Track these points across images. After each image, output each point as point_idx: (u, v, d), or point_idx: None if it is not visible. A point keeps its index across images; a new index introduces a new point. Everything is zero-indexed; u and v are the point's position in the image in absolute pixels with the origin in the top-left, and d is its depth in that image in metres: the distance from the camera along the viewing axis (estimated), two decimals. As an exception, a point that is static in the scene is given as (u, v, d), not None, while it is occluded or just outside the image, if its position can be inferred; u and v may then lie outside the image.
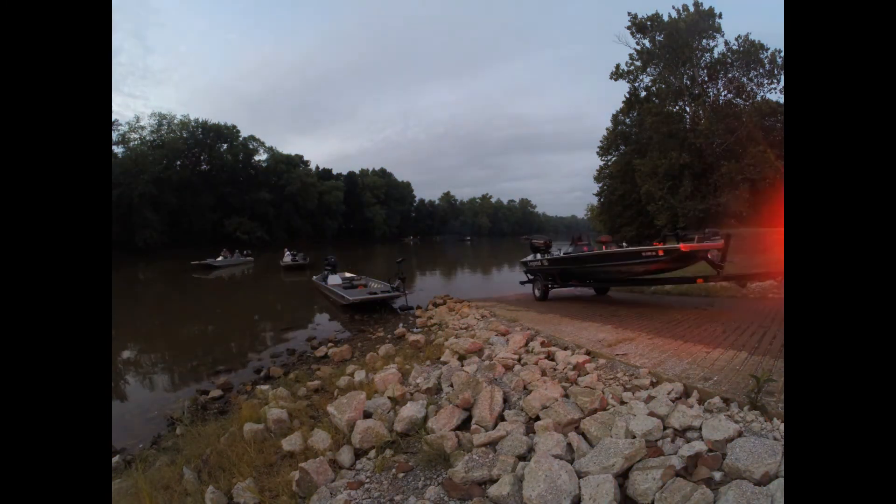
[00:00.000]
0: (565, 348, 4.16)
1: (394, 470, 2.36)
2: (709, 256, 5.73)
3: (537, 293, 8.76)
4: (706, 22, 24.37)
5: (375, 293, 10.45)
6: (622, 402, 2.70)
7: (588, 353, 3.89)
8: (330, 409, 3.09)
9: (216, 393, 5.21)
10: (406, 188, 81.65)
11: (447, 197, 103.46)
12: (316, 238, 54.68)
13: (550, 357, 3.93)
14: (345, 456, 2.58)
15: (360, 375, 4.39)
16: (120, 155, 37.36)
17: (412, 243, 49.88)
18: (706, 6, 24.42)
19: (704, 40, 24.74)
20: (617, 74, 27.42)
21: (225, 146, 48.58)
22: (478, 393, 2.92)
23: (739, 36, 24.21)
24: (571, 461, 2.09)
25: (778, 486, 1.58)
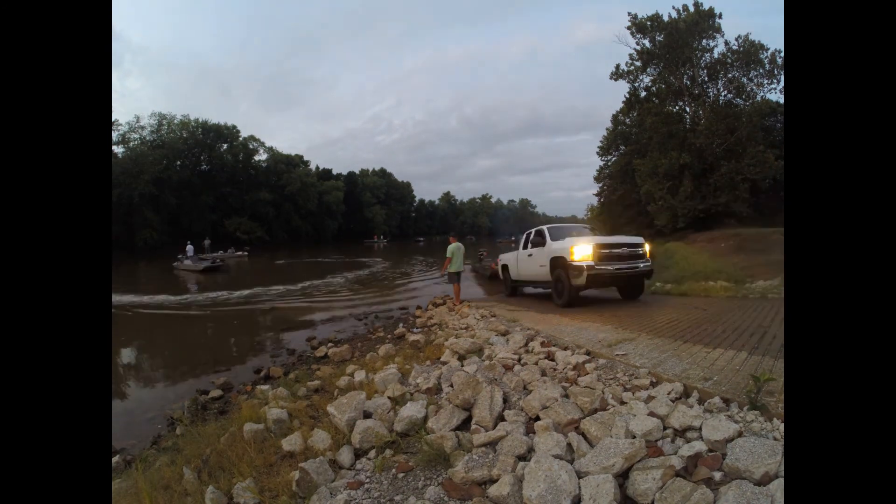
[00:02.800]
0: (565, 348, 4.16)
1: (394, 470, 2.36)
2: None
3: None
4: (706, 22, 24.37)
5: (216, 261, 20.73)
6: (622, 402, 2.70)
7: (588, 353, 3.89)
8: (330, 409, 3.09)
9: (216, 393, 5.21)
10: (406, 188, 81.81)
11: (447, 197, 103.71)
12: (316, 238, 54.62)
13: (550, 357, 3.93)
14: (345, 456, 2.58)
15: (360, 375, 4.39)
16: (120, 155, 37.30)
17: (378, 246, 50.77)
18: (706, 6, 24.41)
19: (704, 40, 24.72)
20: (617, 74, 27.40)
21: (225, 146, 48.52)
22: (478, 393, 2.92)
23: (739, 36, 24.20)
24: (571, 461, 2.09)
25: (778, 486, 1.57)
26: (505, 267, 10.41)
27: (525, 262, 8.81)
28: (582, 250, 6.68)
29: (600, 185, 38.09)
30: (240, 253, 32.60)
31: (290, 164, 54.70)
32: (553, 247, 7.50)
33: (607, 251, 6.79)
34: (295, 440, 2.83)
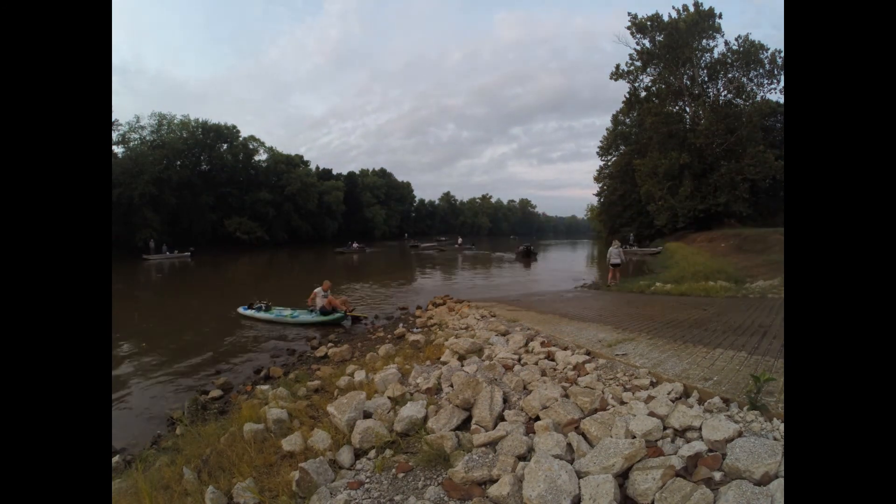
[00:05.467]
0: (565, 348, 4.16)
1: (394, 470, 2.36)
2: None
3: None
4: (706, 22, 24.40)
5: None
6: (622, 402, 2.70)
7: (588, 353, 3.89)
8: (330, 409, 3.09)
9: (216, 393, 5.21)
10: (406, 188, 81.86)
11: (447, 197, 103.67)
12: (316, 238, 54.56)
13: (550, 357, 3.93)
14: (345, 456, 2.58)
15: (360, 375, 4.39)
16: (120, 155, 37.30)
17: (359, 250, 34.77)
18: (706, 6, 24.43)
19: (704, 40, 24.76)
20: (617, 74, 27.42)
21: (225, 146, 48.46)
22: (478, 393, 2.92)
23: (739, 36, 24.23)
24: (571, 461, 2.09)
25: (778, 486, 1.57)
26: None
27: None
28: None
29: (600, 185, 38.16)
30: (185, 254, 31.98)
31: (290, 164, 54.62)
32: None
33: None
34: (295, 440, 2.83)
